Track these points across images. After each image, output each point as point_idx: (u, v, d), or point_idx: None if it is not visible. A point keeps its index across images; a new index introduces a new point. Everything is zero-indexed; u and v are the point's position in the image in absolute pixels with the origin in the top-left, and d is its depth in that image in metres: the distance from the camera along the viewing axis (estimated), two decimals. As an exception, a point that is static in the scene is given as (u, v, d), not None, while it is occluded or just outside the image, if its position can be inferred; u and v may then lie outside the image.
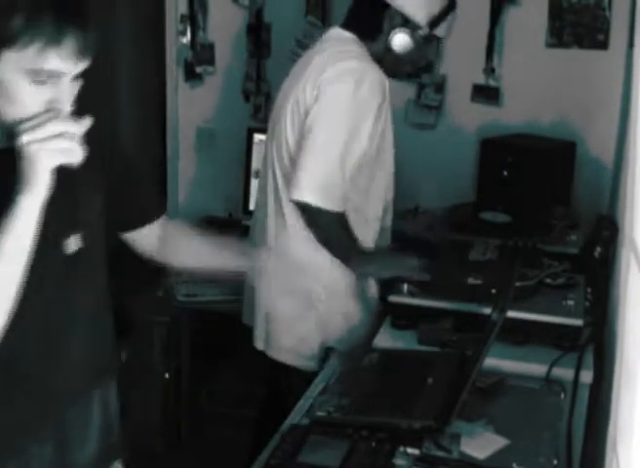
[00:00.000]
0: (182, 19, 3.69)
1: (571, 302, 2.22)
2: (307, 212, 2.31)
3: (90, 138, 1.32)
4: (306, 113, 2.30)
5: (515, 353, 2.11)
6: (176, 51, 3.75)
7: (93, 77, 1.36)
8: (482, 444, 1.70)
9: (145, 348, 3.21)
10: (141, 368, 3.17)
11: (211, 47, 3.71)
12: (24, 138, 1.26)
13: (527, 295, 2.22)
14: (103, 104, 1.47)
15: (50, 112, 1.28)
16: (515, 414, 1.84)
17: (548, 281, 2.34)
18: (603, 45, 3.22)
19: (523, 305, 2.14)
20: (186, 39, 3.71)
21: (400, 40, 2.33)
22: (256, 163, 3.52)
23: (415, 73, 3.24)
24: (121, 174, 1.59)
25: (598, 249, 2.47)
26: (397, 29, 2.33)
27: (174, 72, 3.78)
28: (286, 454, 1.61)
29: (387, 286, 2.47)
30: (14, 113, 1.29)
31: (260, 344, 2.50)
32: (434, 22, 2.34)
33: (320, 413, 1.78)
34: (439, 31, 2.37)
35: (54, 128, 1.26)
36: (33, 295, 1.33)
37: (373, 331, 2.39)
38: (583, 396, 2.05)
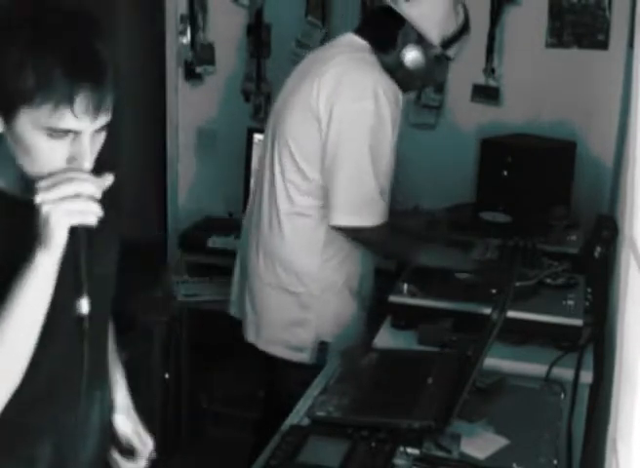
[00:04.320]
0: (182, 19, 3.69)
1: (571, 302, 2.22)
2: (353, 233, 2.37)
3: (108, 195, 1.30)
4: (318, 120, 2.31)
5: (515, 353, 2.11)
6: (176, 51, 3.75)
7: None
8: (482, 444, 1.70)
9: (145, 348, 3.21)
10: (141, 368, 3.17)
11: (211, 47, 3.71)
12: (40, 197, 1.23)
13: (527, 295, 2.22)
14: (117, 157, 1.45)
15: (68, 170, 1.26)
16: (515, 414, 1.84)
17: (548, 281, 2.34)
18: (603, 45, 3.22)
19: (523, 305, 2.14)
20: (186, 39, 3.71)
21: (412, 56, 2.35)
22: (256, 163, 3.52)
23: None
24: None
25: (598, 249, 2.46)
26: (410, 46, 2.35)
27: (174, 72, 3.78)
28: (286, 454, 1.61)
29: (382, 284, 2.49)
30: (34, 168, 1.27)
31: (250, 337, 2.52)
32: (447, 43, 2.37)
33: (320, 413, 1.78)
34: (451, 52, 2.41)
35: (70, 188, 1.23)
36: (44, 355, 1.32)
37: (366, 328, 2.40)
38: (583, 396, 2.06)
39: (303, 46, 3.43)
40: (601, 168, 3.26)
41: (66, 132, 1.24)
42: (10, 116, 1.23)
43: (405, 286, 2.29)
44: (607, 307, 2.33)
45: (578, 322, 2.13)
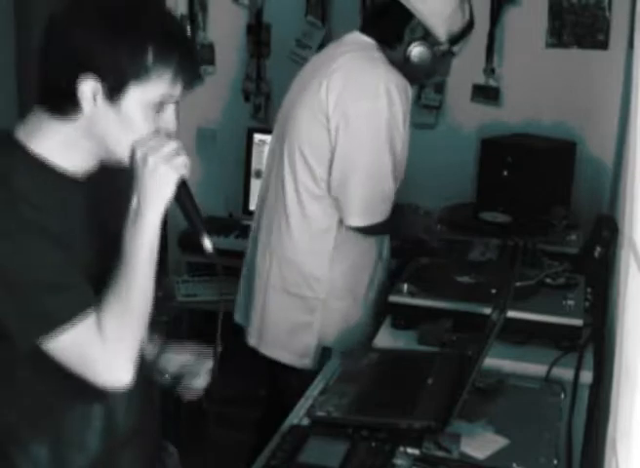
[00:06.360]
0: (182, 19, 3.69)
1: (571, 302, 2.22)
2: (368, 230, 2.39)
3: None
4: (327, 118, 2.31)
5: (515, 353, 2.11)
6: (176, 51, 3.75)
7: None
8: (482, 444, 1.70)
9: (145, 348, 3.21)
10: (141, 368, 3.17)
11: (211, 47, 3.71)
12: (150, 157, 1.35)
13: (527, 295, 2.22)
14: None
15: (162, 132, 1.39)
16: (515, 414, 1.84)
17: (548, 281, 2.34)
18: (603, 45, 3.22)
19: (523, 305, 2.14)
20: (186, 39, 3.71)
21: (419, 52, 2.35)
22: (256, 163, 3.53)
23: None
24: None
25: (598, 249, 2.47)
26: (417, 42, 2.35)
27: (174, 72, 3.78)
28: (286, 454, 1.62)
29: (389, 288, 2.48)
30: (128, 139, 1.37)
31: (252, 341, 2.51)
32: (454, 39, 2.38)
33: (320, 413, 1.78)
34: (456, 48, 2.41)
35: (172, 145, 1.37)
36: None
37: (372, 332, 2.39)
38: (583, 396, 2.05)
39: (303, 46, 3.44)
40: (601, 168, 3.26)
41: (170, 100, 1.38)
42: (119, 93, 1.33)
43: (405, 286, 2.29)
44: (607, 307, 2.33)
45: (578, 322, 2.13)
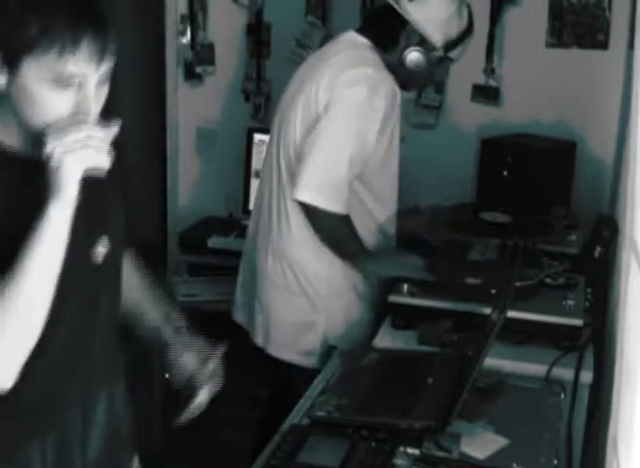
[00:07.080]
0: (182, 19, 3.69)
1: (571, 302, 2.22)
2: (312, 213, 2.32)
3: (115, 144, 1.31)
4: (317, 114, 2.30)
5: (515, 353, 2.11)
6: (176, 51, 3.75)
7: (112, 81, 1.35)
8: (482, 444, 1.70)
9: (145, 348, 3.21)
10: (141, 368, 3.17)
11: (211, 47, 3.71)
12: (50, 145, 1.25)
13: (527, 295, 2.22)
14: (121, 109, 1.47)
15: (75, 117, 1.27)
16: (515, 414, 1.84)
17: (548, 281, 2.33)
18: (603, 45, 3.22)
19: (523, 305, 2.14)
20: (186, 39, 3.71)
21: (414, 58, 2.35)
22: (256, 163, 3.53)
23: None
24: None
25: (598, 249, 2.47)
26: (413, 47, 2.34)
27: (174, 72, 3.78)
28: (286, 454, 1.62)
29: (389, 286, 2.47)
30: (39, 120, 1.28)
31: (259, 340, 2.51)
32: (450, 46, 2.37)
33: (320, 413, 1.78)
34: (453, 54, 2.40)
35: (80, 133, 1.25)
36: (62, 306, 1.33)
37: (373, 331, 2.39)
38: (583, 396, 2.06)
39: (303, 46, 3.44)
40: (601, 168, 3.26)
41: (71, 78, 1.25)
42: (14, 67, 1.25)
43: (405, 286, 2.29)
44: (607, 307, 2.33)
45: (578, 322, 2.13)
